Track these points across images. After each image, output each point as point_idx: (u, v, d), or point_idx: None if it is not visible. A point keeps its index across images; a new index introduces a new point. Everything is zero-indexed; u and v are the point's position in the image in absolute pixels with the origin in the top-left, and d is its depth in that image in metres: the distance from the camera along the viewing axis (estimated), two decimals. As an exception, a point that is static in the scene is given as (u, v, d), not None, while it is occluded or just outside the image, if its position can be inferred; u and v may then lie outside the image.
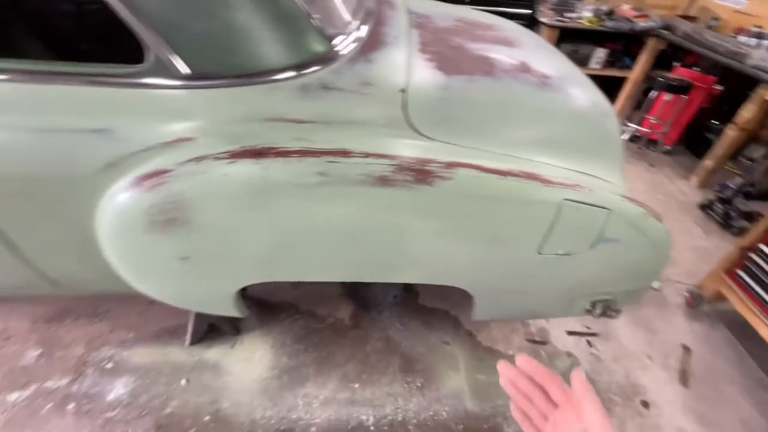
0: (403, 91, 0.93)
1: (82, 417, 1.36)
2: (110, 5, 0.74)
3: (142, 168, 0.86)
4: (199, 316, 1.57)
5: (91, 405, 1.39)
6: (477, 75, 1.02)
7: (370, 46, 1.01)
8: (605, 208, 0.95)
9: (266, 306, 1.78)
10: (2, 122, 0.83)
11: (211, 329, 1.62)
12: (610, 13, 3.43)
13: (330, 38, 0.92)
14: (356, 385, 1.54)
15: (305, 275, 1.01)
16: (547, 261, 1.00)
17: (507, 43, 1.23)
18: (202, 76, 0.84)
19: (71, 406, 1.38)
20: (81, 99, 0.83)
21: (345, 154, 0.85)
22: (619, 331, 1.85)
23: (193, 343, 1.60)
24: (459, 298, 1.28)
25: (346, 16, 1.02)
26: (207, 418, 1.39)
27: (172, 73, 0.83)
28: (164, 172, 0.84)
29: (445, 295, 1.87)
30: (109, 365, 1.51)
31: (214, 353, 1.59)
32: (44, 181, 0.88)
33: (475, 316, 1.19)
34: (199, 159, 0.83)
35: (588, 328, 1.84)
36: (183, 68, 0.82)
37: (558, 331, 1.82)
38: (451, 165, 0.88)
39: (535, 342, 1.77)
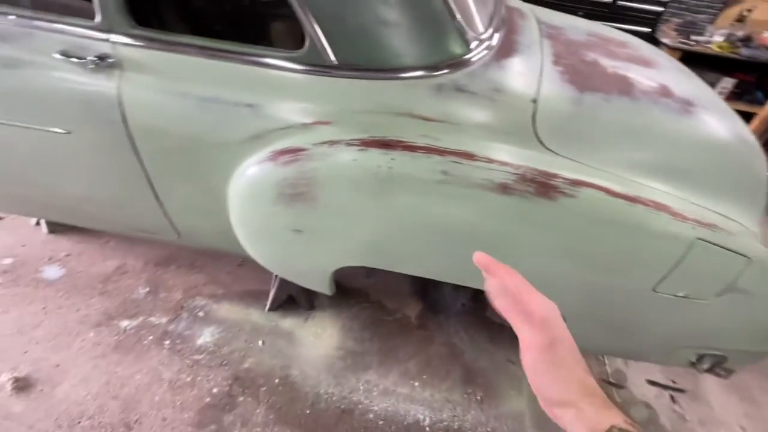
0: (534, 101, 0.92)
1: (174, 354, 1.53)
2: (287, -5, 0.83)
3: (280, 143, 0.94)
4: (281, 286, 1.69)
5: (182, 345, 1.56)
6: (613, 93, 0.97)
7: (504, 52, 1.01)
8: (745, 255, 0.86)
9: (339, 289, 1.85)
10: (177, 89, 0.96)
11: (289, 300, 1.74)
12: (746, 40, 3.06)
13: (467, 42, 0.94)
14: (416, 384, 1.56)
15: (403, 266, 1.04)
16: (661, 300, 0.93)
17: (644, 63, 1.15)
18: (346, 66, 0.90)
19: (167, 342, 1.57)
20: (241, 76, 0.94)
21: (469, 156, 0.86)
22: (710, 393, 1.65)
23: (271, 309, 1.72)
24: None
25: (481, 21, 1.03)
26: (277, 380, 1.50)
27: (321, 61, 0.90)
28: (300, 150, 0.91)
29: (516, 313, 1.81)
30: (201, 314, 1.68)
31: (288, 323, 1.70)
32: (198, 143, 1.00)
33: (561, 341, 1.13)
34: (332, 142, 0.90)
35: (673, 382, 1.67)
36: (332, 57, 0.89)
37: (637, 377, 1.68)
38: (576, 183, 0.85)
39: (609, 383, 1.64)
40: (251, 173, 0.98)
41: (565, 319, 0.41)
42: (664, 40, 3.08)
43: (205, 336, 1.61)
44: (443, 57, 0.91)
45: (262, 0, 1.62)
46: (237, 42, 0.93)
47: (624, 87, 1.00)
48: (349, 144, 0.89)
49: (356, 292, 1.86)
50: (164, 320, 1.64)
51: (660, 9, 3.20)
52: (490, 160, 0.86)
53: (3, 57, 1.00)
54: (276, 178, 0.94)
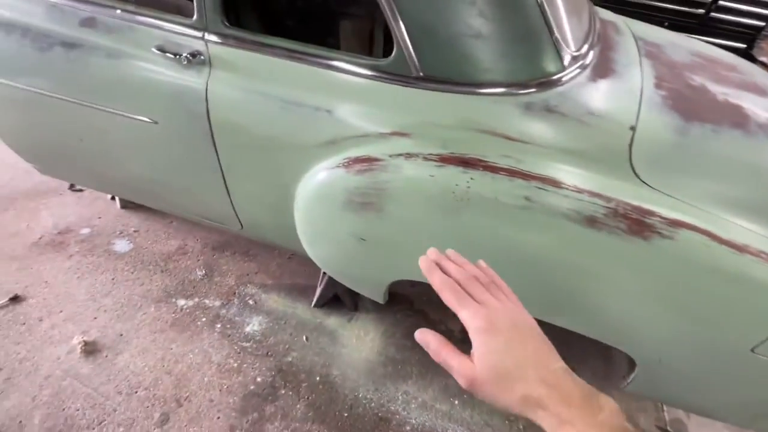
0: (632, 128, 0.84)
1: (224, 338, 1.59)
2: (381, 5, 0.81)
3: (355, 151, 0.93)
4: (328, 285, 1.70)
5: (232, 331, 1.62)
6: (724, 125, 0.87)
7: (599, 72, 0.94)
8: None
9: (384, 293, 1.85)
10: (260, 89, 0.98)
11: (335, 299, 1.75)
12: None
13: (562, 59, 0.88)
14: (456, 402, 1.51)
15: None
16: (759, 363, 0.82)
17: (759, 91, 1.03)
18: (432, 78, 0.87)
19: (218, 326, 1.63)
20: (324, 81, 0.94)
21: (556, 183, 0.80)
22: (786, 462, 1.47)
23: (317, 305, 1.74)
24: (580, 350, 1.16)
25: (575, 36, 0.96)
26: (318, 378, 1.51)
27: (406, 71, 0.87)
28: (375, 160, 0.90)
29: (565, 342, 1.72)
30: (251, 302, 1.74)
31: (332, 321, 1.71)
32: (274, 142, 1.02)
33: (626, 385, 1.05)
34: (409, 155, 0.87)
35: (743, 442, 1.51)
36: (417, 68, 0.86)
37: (698, 431, 1.53)
38: (675, 223, 0.77)
39: (665, 431, 1.51)
40: (322, 177, 0.98)
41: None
42: (762, 58, 2.78)
43: (253, 324, 1.66)
44: (535, 74, 0.86)
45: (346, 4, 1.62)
46: (320, 46, 0.93)
47: (737, 118, 0.89)
48: (426, 158, 0.86)
49: (400, 298, 1.84)
50: (217, 304, 1.71)
51: (761, 23, 2.88)
52: (579, 190, 0.80)
53: (107, 47, 1.06)
54: (347, 184, 0.94)
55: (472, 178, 0.82)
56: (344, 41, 1.75)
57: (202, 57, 0.99)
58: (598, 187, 0.80)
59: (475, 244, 0.88)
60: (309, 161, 1.01)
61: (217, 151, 1.11)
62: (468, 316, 0.39)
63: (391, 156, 0.89)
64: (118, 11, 1.05)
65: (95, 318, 1.61)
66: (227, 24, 0.97)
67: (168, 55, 1.00)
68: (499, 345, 0.36)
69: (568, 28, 0.93)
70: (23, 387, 1.38)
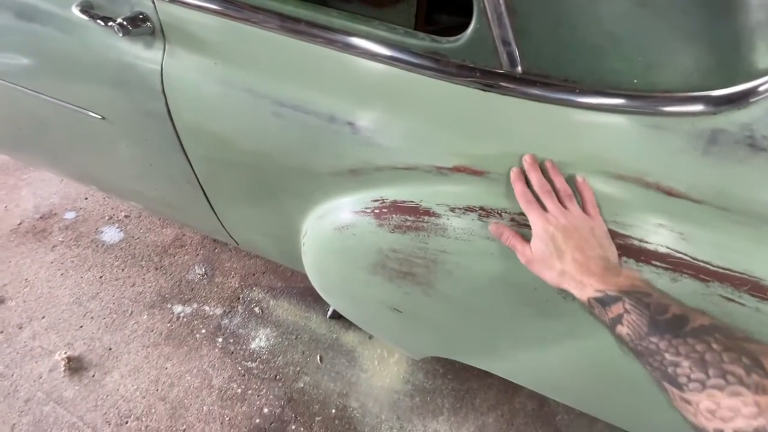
0: None
1: (227, 356, 1.38)
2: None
3: (393, 191, 0.58)
4: (347, 295, 1.43)
5: (235, 346, 1.40)
6: None
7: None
8: None
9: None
10: (244, 82, 0.61)
11: (354, 310, 1.49)
12: None
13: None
14: (494, 446, 1.29)
15: (546, 389, 0.70)
16: None
17: None
18: (538, 79, 0.48)
19: (220, 339, 1.41)
20: (344, 73, 0.56)
21: (758, 288, 0.45)
22: None
23: (333, 317, 1.49)
24: None
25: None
26: (334, 411, 1.30)
27: (491, 63, 0.49)
28: (426, 212, 0.55)
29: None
30: (257, 309, 1.50)
31: (351, 337, 1.46)
32: (266, 161, 0.67)
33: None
34: (485, 211, 0.52)
35: None
36: (512, 61, 0.48)
37: None
38: None
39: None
40: (341, 221, 0.64)
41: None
42: None
43: (260, 339, 1.43)
44: (728, 74, 0.46)
45: None
46: (345, 12, 0.54)
47: None
48: (516, 220, 0.50)
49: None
50: (218, 311, 1.48)
51: None
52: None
53: (16, 3, 0.70)
54: (379, 243, 0.60)
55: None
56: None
57: (149, 24, 0.62)
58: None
59: (592, 364, 0.55)
60: (319, 192, 0.66)
61: (189, 162, 0.77)
62: (531, 219, 0.47)
63: (452, 209, 0.53)
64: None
65: (81, 327, 1.41)
66: (184, -34, 0.58)
67: (98, 21, 0.62)
68: (546, 239, 0.45)
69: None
70: (1, 412, 1.22)
